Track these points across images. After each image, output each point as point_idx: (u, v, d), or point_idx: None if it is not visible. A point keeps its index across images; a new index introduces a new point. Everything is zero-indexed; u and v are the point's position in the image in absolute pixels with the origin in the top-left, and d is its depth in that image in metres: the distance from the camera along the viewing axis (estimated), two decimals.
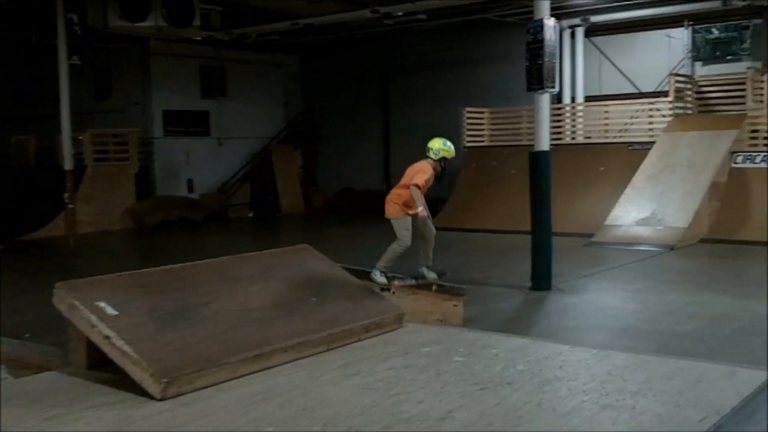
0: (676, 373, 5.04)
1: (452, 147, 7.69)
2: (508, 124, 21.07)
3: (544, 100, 10.97)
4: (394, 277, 7.82)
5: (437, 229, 18.57)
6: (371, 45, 24.98)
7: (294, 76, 27.50)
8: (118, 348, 5.07)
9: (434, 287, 7.76)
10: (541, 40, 10.59)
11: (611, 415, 4.32)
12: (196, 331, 5.48)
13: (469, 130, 20.92)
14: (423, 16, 20.11)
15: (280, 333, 5.78)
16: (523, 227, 17.27)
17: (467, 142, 20.87)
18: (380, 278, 7.68)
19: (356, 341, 6.20)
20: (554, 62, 10.77)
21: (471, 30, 22.46)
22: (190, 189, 23.96)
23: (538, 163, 10.92)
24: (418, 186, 7.38)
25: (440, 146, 7.68)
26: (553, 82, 10.81)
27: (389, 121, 25.87)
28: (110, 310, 5.32)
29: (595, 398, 4.62)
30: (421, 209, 7.40)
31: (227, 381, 5.21)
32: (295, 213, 24.53)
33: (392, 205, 7.78)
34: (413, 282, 7.85)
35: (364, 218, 22.45)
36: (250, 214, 24.65)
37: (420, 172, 7.66)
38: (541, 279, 10.89)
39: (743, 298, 9.97)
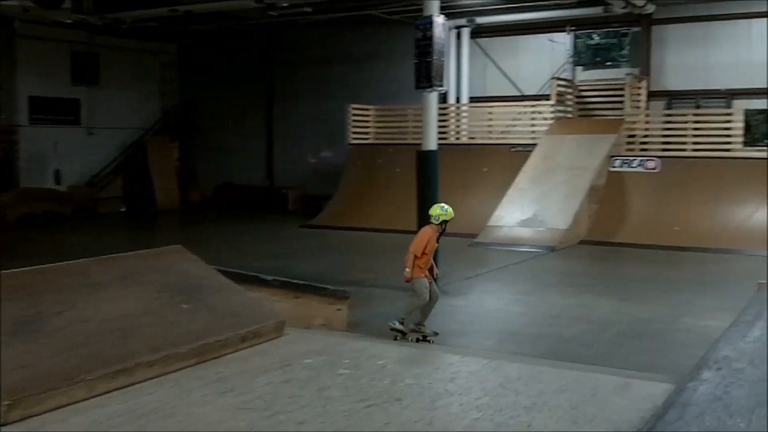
0: (569, 385, 4.82)
1: (450, 210, 7.91)
2: (394, 122, 20.87)
3: (433, 98, 10.75)
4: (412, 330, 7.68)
5: (320, 227, 18.11)
6: (256, 37, 24.24)
7: (172, 65, 26.37)
8: None
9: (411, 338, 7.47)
10: (430, 37, 10.36)
11: None
12: (48, 345, 4.85)
13: (354, 127, 20.58)
14: (308, 9, 19.61)
15: (146, 345, 5.21)
16: (409, 226, 16.99)
17: (352, 139, 20.53)
18: (398, 325, 7.59)
19: (232, 352, 5.70)
20: (443, 60, 10.57)
21: (358, 26, 22.13)
22: (57, 181, 22.52)
23: (426, 163, 10.68)
24: (414, 253, 7.73)
25: (440, 212, 7.93)
26: (442, 80, 10.62)
27: (272, 115, 25.19)
28: None
29: (488, 415, 4.33)
30: (408, 271, 7.65)
31: (83, 401, 4.62)
32: (171, 208, 23.52)
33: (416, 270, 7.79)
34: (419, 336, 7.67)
35: (245, 214, 21.78)
36: (123, 209, 23.39)
37: (418, 238, 7.92)
38: None
39: (622, 300, 10.06)
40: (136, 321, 5.44)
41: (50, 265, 5.86)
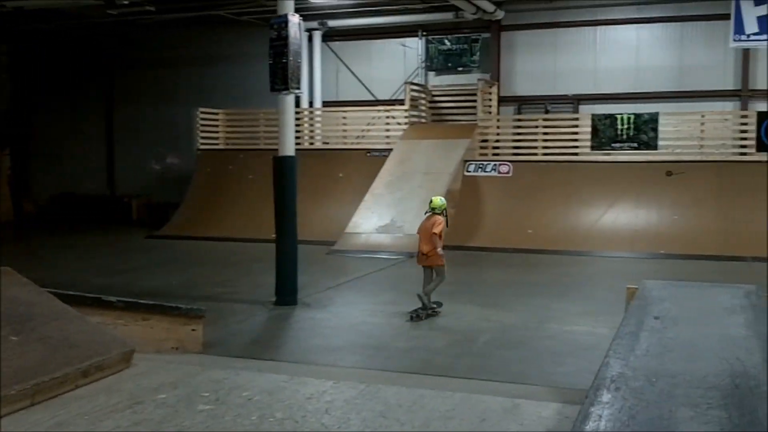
0: (455, 410, 4.45)
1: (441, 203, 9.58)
2: (244, 126, 20.13)
3: (289, 102, 10.22)
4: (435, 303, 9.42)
5: (168, 237, 17.13)
6: (95, 38, 22.71)
7: (3, 66, 24.32)
8: None
9: None
10: (286, 37, 9.82)
11: None
12: None
13: (202, 132, 19.68)
14: (151, 8, 18.52)
15: None
16: (263, 235, 16.55)
17: (201, 144, 19.62)
18: (427, 302, 9.20)
19: (72, 390, 4.95)
20: (299, 62, 10.06)
21: (206, 28, 21.19)
22: None
23: (283, 169, 10.12)
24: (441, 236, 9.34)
25: (444, 204, 9.58)
26: (299, 82, 10.10)
27: (113, 120, 23.70)
28: None
29: None
30: (442, 253, 9.33)
31: None
32: (2, 220, 21.59)
33: (434, 256, 9.35)
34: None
35: (84, 226, 20.33)
36: None
37: (441, 225, 9.34)
38: (287, 293, 10.11)
39: (486, 307, 9.93)
40: None
41: None
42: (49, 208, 22.94)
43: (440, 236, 9.28)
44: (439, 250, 9.28)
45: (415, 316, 9.09)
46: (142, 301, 7.04)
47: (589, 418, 3.39)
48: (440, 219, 9.40)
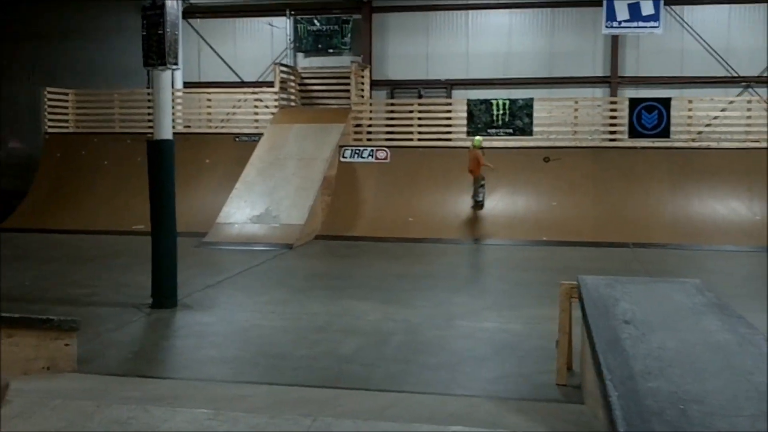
0: None
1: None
2: (98, 108, 18.45)
3: (165, 78, 9.09)
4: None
5: (13, 230, 15.52)
6: None
7: None
8: None
9: None
10: (162, 6, 8.73)
11: None
12: None
13: (51, 113, 17.89)
14: None
15: None
16: (122, 226, 15.31)
17: (49, 128, 17.81)
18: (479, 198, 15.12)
19: None
20: (177, 34, 9.00)
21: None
22: None
23: (160, 154, 9.00)
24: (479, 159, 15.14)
25: (480, 141, 15.43)
26: (176, 57, 9.03)
27: None
28: None
29: None
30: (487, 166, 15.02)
31: None
32: None
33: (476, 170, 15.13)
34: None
35: None
36: None
37: (478, 157, 15.04)
38: (166, 294, 9.05)
39: (385, 304, 9.28)
40: None
41: None
42: None
43: (480, 161, 14.97)
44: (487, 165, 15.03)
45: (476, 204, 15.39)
46: (5, 315, 5.86)
47: None
48: (479, 153, 15.07)
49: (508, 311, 8.90)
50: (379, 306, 9.16)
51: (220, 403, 4.55)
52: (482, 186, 15.13)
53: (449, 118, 17.04)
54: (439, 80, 18.86)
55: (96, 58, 19.04)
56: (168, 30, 8.64)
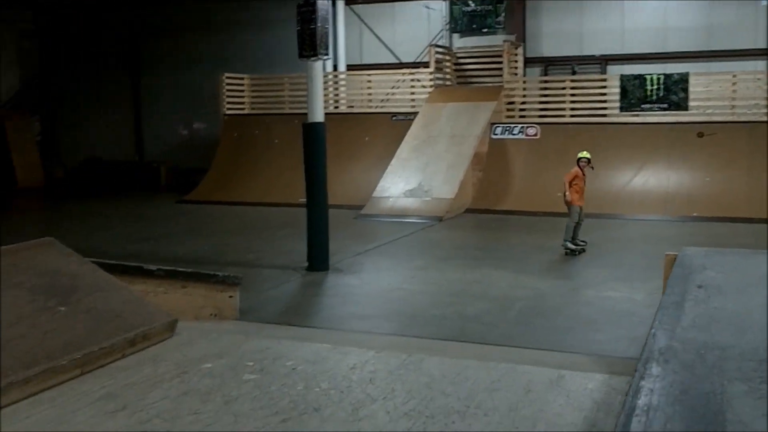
0: (500, 381, 4.47)
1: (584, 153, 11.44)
2: (269, 91, 20.07)
3: (317, 67, 10.14)
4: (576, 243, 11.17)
5: (196, 202, 17.25)
6: (121, 4, 22.66)
7: (29, 33, 24.34)
8: None
9: None
10: (313, 3, 9.76)
11: None
12: None
13: (228, 97, 19.68)
14: None
15: (19, 360, 4.48)
16: (290, 199, 16.71)
17: (227, 110, 19.62)
18: (572, 246, 10.99)
19: (119, 359, 5.03)
20: (327, 27, 10.01)
21: None
22: None
23: (313, 135, 10.09)
24: (565, 180, 11.36)
25: (580, 155, 11.43)
26: (327, 48, 10.06)
27: (140, 86, 23.74)
28: None
29: (420, 424, 3.91)
30: (567, 195, 11.24)
31: None
32: (33, 186, 21.81)
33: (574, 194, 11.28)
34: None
35: (114, 191, 20.50)
36: None
37: (567, 175, 11.36)
38: (318, 259, 10.16)
39: (518, 273, 9.90)
40: (5, 332, 4.68)
41: None
42: (78, 174, 23.13)
43: (567, 183, 11.25)
44: (566, 195, 11.25)
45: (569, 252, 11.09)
46: (181, 270, 7.11)
47: (640, 392, 3.39)
48: (572, 171, 11.29)
49: (638, 283, 9.25)
50: (513, 275, 9.81)
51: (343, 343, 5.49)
52: (579, 224, 11.34)
53: (603, 94, 17.16)
54: (593, 56, 18.94)
55: (268, 45, 20.68)
56: (319, 24, 9.66)
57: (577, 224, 11.16)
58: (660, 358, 3.75)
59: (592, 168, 11.56)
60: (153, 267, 6.90)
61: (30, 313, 4.95)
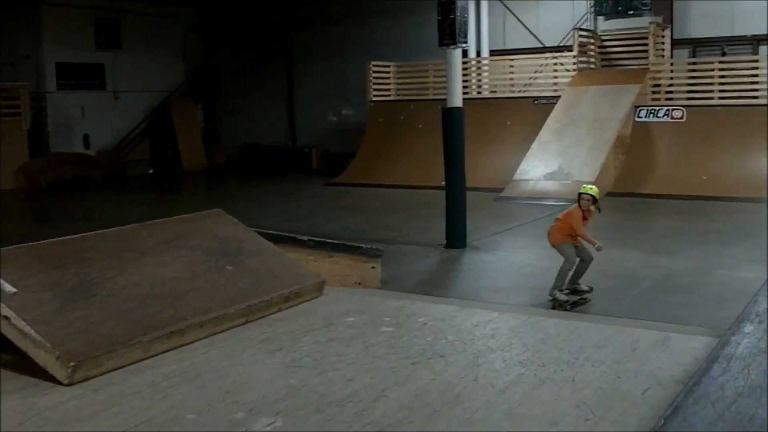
0: (609, 340, 4.93)
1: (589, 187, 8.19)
2: (414, 78, 20.81)
3: (457, 55, 10.74)
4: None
5: (344, 185, 18.17)
6: None
7: (194, 28, 26.35)
8: (20, 329, 4.58)
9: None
10: None
11: (551, 389, 4.16)
12: (103, 309, 5.02)
13: (375, 84, 20.58)
14: None
15: (195, 307, 5.38)
16: (432, 182, 17.33)
17: (373, 96, 20.53)
18: (563, 297, 7.82)
19: (276, 312, 5.86)
20: (466, 17, 10.58)
21: None
22: (86, 145, 22.79)
23: (452, 120, 10.71)
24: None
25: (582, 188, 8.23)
26: (466, 37, 10.65)
27: (293, 75, 25.17)
28: (8, 287, 4.80)
29: (532, 370, 4.46)
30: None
31: (140, 362, 4.81)
32: (196, 170, 23.70)
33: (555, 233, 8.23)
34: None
35: (270, 174, 21.93)
36: (150, 171, 23.68)
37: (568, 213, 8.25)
38: (456, 237, 10.79)
39: (652, 253, 10.12)
40: (185, 285, 5.60)
41: (98, 231, 6.01)
42: (238, 159, 24.86)
43: (578, 227, 8.05)
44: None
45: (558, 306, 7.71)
46: (328, 241, 7.92)
47: (728, 344, 3.79)
48: (571, 210, 8.23)
49: None
50: (646, 255, 10.04)
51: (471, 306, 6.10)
52: (585, 263, 8.12)
53: (755, 76, 16.70)
54: (745, 36, 18.37)
55: (412, 33, 21.40)
56: (458, 15, 10.23)
57: (581, 264, 8.06)
58: (756, 319, 4.11)
59: (599, 210, 8.43)
60: (304, 237, 7.74)
61: (204, 270, 5.87)
